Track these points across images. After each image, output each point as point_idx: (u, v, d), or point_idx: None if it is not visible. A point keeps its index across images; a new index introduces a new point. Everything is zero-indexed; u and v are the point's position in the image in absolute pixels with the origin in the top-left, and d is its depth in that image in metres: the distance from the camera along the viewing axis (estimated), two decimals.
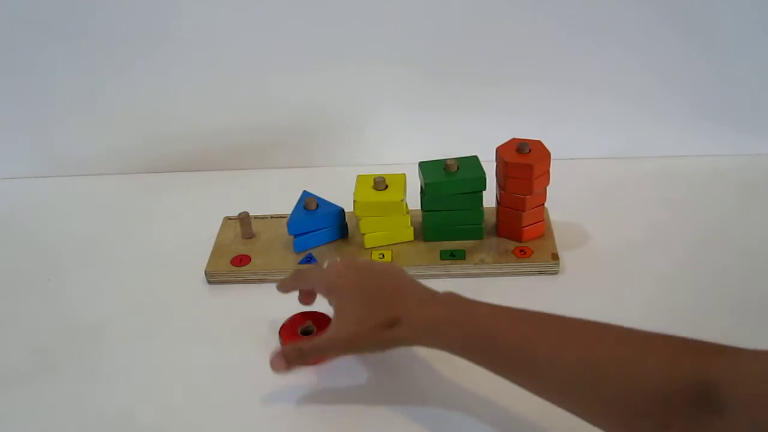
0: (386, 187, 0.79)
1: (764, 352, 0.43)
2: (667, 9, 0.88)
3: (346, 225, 0.83)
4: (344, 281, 0.62)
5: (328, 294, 0.64)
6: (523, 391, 0.54)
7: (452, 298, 0.59)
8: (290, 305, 0.76)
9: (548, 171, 0.78)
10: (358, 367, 0.68)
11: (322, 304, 0.68)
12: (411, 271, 0.77)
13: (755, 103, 0.95)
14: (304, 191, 0.83)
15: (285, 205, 0.82)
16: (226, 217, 0.87)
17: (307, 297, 0.70)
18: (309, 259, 0.80)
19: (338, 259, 0.67)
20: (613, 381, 0.48)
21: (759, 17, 0.89)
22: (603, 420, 0.49)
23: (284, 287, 0.69)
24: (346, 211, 0.82)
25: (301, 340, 0.65)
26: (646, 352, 0.48)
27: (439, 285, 0.76)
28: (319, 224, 0.81)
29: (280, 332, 0.70)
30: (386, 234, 0.81)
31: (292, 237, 0.81)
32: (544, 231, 0.81)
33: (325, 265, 0.66)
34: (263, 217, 0.86)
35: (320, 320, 0.70)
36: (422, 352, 0.69)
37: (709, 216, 0.86)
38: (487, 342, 0.55)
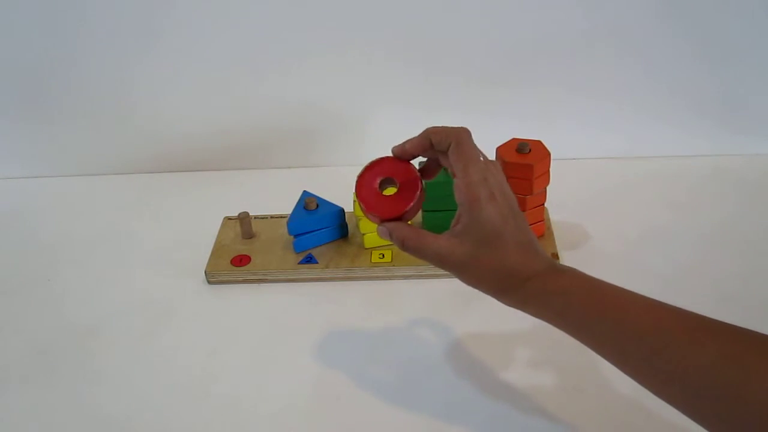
0: None
1: None
2: (667, 9, 0.88)
3: (346, 225, 0.83)
4: (492, 205, 0.52)
5: (471, 205, 0.52)
6: (520, 391, 0.54)
7: (577, 273, 0.54)
8: (290, 305, 0.76)
9: (548, 171, 0.78)
10: (359, 367, 0.68)
11: None
12: (411, 271, 0.78)
13: (755, 103, 0.95)
14: (304, 191, 0.83)
15: (285, 205, 0.82)
16: (226, 217, 0.87)
17: (431, 169, 0.59)
18: (309, 259, 0.80)
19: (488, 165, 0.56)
20: (757, 389, 0.42)
21: (759, 17, 0.89)
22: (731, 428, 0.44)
23: (410, 145, 0.59)
24: (346, 211, 0.82)
25: (412, 231, 0.54)
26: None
27: (440, 285, 0.77)
28: (319, 224, 0.81)
29: (357, 184, 0.56)
30: None
31: (292, 237, 0.81)
32: (544, 231, 0.81)
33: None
34: (263, 217, 0.86)
35: (406, 174, 0.57)
36: (425, 351, 0.69)
37: (709, 216, 0.86)
38: (611, 322, 0.50)
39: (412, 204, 0.55)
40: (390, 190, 0.56)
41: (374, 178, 0.56)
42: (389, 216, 0.55)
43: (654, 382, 0.48)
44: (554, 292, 0.52)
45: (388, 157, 0.57)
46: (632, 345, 0.48)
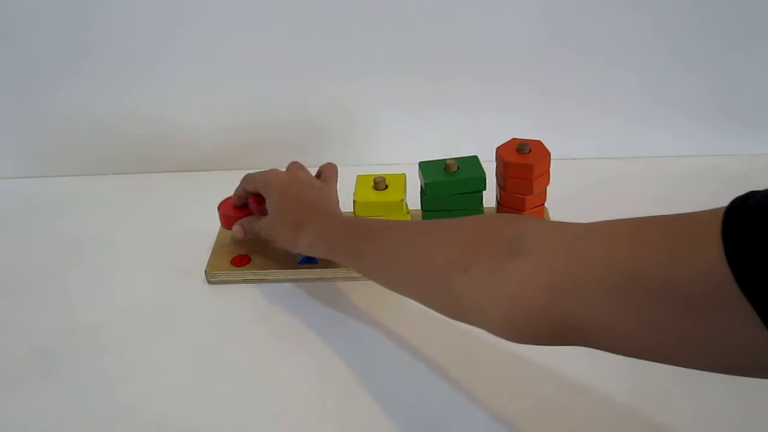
0: (386, 187, 0.79)
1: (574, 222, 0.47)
2: (667, 9, 0.88)
3: None
4: (277, 183, 0.74)
5: (264, 190, 0.75)
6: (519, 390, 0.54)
7: (348, 215, 0.74)
8: (290, 305, 0.77)
9: (548, 171, 0.78)
10: (359, 367, 0.68)
11: None
12: None
13: (755, 103, 0.95)
14: None
15: None
16: None
17: (259, 201, 0.78)
18: (309, 259, 0.80)
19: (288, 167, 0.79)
20: (433, 241, 0.56)
21: (759, 17, 0.89)
22: (415, 275, 0.57)
23: (237, 195, 0.80)
24: (346, 212, 0.81)
25: (248, 219, 0.78)
26: (460, 224, 0.56)
27: None
28: None
29: (218, 206, 0.82)
30: None
31: None
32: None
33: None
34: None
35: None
36: (425, 351, 0.69)
37: None
38: (353, 234, 0.66)
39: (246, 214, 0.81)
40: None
41: (229, 205, 0.82)
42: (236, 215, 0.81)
43: (370, 275, 0.63)
44: (322, 232, 0.68)
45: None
46: (365, 247, 0.63)
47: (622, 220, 0.44)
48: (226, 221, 0.82)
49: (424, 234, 0.58)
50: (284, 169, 0.79)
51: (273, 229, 0.73)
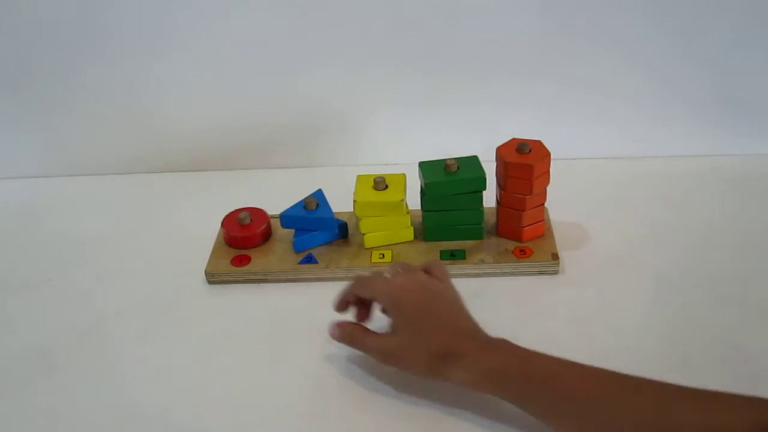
0: (386, 187, 0.79)
1: None
2: (667, 9, 0.88)
3: (345, 227, 0.83)
4: (408, 298, 0.63)
5: (391, 308, 0.63)
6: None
7: (509, 346, 0.59)
8: (290, 305, 0.77)
9: (548, 171, 0.78)
10: (359, 367, 0.68)
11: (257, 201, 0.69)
12: None
13: (755, 103, 0.95)
14: (319, 190, 0.83)
15: (285, 205, 0.82)
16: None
17: (364, 311, 0.68)
18: (309, 259, 0.80)
19: (399, 269, 0.66)
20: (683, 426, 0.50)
21: (758, 17, 0.89)
22: None
23: (344, 298, 0.67)
24: (346, 211, 0.82)
25: (358, 329, 0.66)
26: (711, 402, 0.51)
27: None
28: (309, 224, 0.81)
29: (222, 222, 0.83)
30: (386, 234, 0.81)
31: (292, 237, 0.81)
32: (544, 231, 0.81)
33: (387, 274, 0.66)
34: None
35: (255, 212, 0.84)
36: None
37: (709, 216, 0.86)
38: (548, 391, 0.55)
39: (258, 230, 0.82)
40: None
41: (234, 216, 0.84)
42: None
43: None
44: (490, 370, 0.58)
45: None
46: (568, 409, 0.54)
47: None
48: (231, 241, 0.82)
49: (670, 416, 0.51)
50: (391, 272, 0.66)
51: (406, 353, 0.61)
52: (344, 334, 0.65)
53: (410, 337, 0.61)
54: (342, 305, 0.68)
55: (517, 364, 0.57)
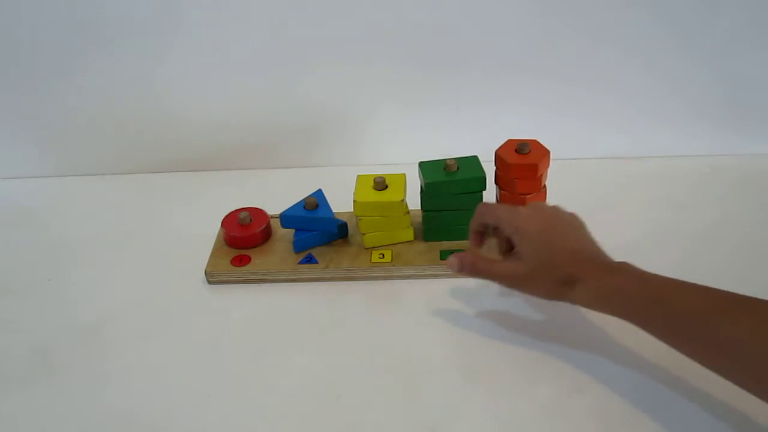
0: (386, 187, 0.79)
1: None
2: (667, 9, 0.88)
3: (346, 226, 0.83)
4: (532, 227, 0.65)
5: (515, 235, 0.65)
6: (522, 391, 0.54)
7: (628, 268, 0.62)
8: (290, 305, 0.77)
9: (548, 168, 0.78)
10: (359, 367, 0.68)
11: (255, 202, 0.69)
12: (411, 271, 0.78)
13: (755, 103, 0.95)
14: (319, 190, 0.83)
15: (285, 205, 0.82)
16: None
17: (480, 238, 0.72)
18: (309, 259, 0.80)
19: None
20: None
21: (758, 17, 0.89)
22: None
23: (474, 229, 0.71)
24: (346, 211, 0.82)
25: (480, 258, 0.68)
26: None
27: (440, 285, 0.77)
28: (308, 224, 0.80)
29: (222, 222, 0.83)
30: (386, 234, 0.81)
31: (292, 237, 0.81)
32: None
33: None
34: None
35: (255, 212, 0.84)
36: (425, 351, 0.69)
37: (709, 216, 0.86)
38: (662, 310, 0.57)
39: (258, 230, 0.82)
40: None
41: (234, 216, 0.84)
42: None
43: (702, 357, 0.55)
44: (608, 292, 0.61)
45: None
46: (679, 326, 0.56)
47: None
48: (231, 241, 0.82)
49: None
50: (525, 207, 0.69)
51: (534, 279, 0.64)
52: (466, 264, 0.68)
53: (537, 264, 0.64)
54: (477, 237, 0.71)
55: (635, 285, 0.59)
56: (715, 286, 0.74)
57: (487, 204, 0.71)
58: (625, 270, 0.61)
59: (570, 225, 0.67)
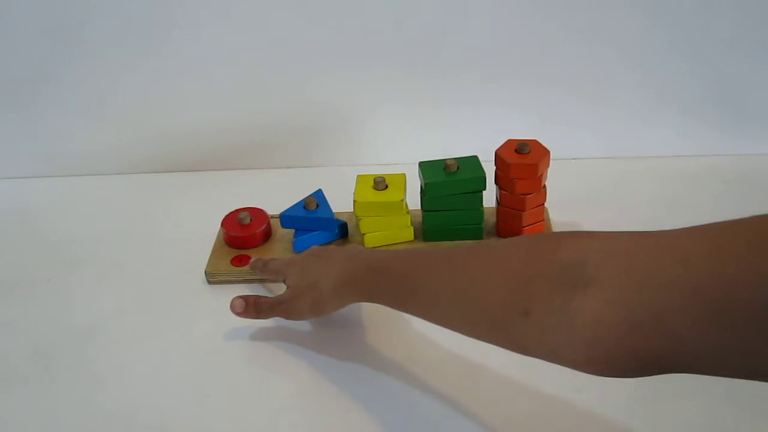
0: (386, 187, 0.79)
1: (629, 232, 0.42)
2: (665, 10, 0.88)
3: (346, 226, 0.83)
4: (292, 261, 0.72)
5: (284, 277, 0.71)
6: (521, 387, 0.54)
7: (362, 252, 0.66)
8: None
9: (548, 168, 0.78)
10: (359, 367, 0.68)
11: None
12: None
13: (753, 103, 0.95)
14: (319, 190, 0.83)
15: (285, 205, 0.82)
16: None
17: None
18: None
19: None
20: (475, 279, 0.50)
21: (755, 18, 0.89)
22: (476, 324, 0.51)
23: (254, 269, 0.77)
24: (346, 211, 0.82)
25: (262, 298, 0.71)
26: (507, 248, 0.50)
27: None
28: (308, 225, 0.81)
29: (222, 222, 0.84)
30: (386, 234, 0.81)
31: (292, 237, 0.81)
32: (544, 231, 0.81)
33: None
34: None
35: (255, 212, 0.84)
36: (425, 351, 0.69)
37: (708, 216, 0.85)
38: (383, 280, 0.60)
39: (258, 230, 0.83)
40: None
41: (234, 216, 0.84)
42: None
43: (427, 315, 0.57)
44: (345, 280, 0.64)
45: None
46: (401, 293, 0.58)
47: (688, 231, 0.40)
48: (231, 241, 0.83)
49: (464, 272, 0.52)
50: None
51: (295, 300, 0.67)
52: (249, 303, 0.70)
53: (297, 286, 0.68)
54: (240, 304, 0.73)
55: (362, 266, 0.63)
56: None
57: (258, 260, 0.77)
58: (360, 255, 0.65)
59: (326, 248, 0.71)
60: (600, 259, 0.42)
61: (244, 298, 0.71)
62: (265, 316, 0.71)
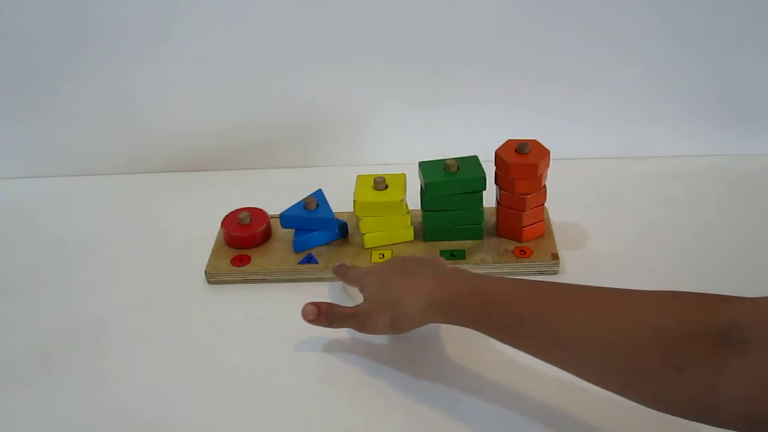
0: (386, 187, 0.79)
1: None
2: (666, 9, 0.88)
3: (345, 227, 0.83)
4: (370, 272, 0.69)
5: (361, 287, 0.69)
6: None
7: (457, 273, 0.62)
8: (290, 305, 0.77)
9: (547, 168, 0.78)
10: (359, 367, 0.68)
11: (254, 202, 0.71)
12: None
13: (754, 103, 0.95)
14: (319, 190, 0.83)
15: (285, 205, 0.82)
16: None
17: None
18: (309, 259, 0.80)
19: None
20: (619, 330, 0.49)
21: (757, 17, 0.89)
22: (611, 373, 0.50)
23: (336, 274, 0.75)
24: (346, 211, 0.82)
25: (336, 306, 0.69)
26: (658, 304, 0.50)
27: None
28: (308, 225, 0.81)
29: (222, 222, 0.83)
30: (386, 234, 0.81)
31: (292, 237, 0.81)
32: (544, 231, 0.81)
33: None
34: None
35: (255, 212, 0.84)
36: (425, 351, 0.69)
37: (708, 216, 0.86)
38: (493, 312, 0.57)
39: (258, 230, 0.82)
40: None
41: (234, 216, 0.84)
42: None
43: (544, 354, 0.55)
44: (439, 302, 0.60)
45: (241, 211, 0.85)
46: (517, 327, 0.55)
47: None
48: (231, 241, 0.83)
49: (604, 320, 0.51)
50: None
51: (372, 314, 0.65)
52: (322, 311, 0.68)
53: (375, 299, 0.65)
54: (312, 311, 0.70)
55: (465, 290, 0.59)
56: (715, 286, 0.75)
57: (341, 266, 0.75)
58: (456, 276, 0.61)
59: (414, 263, 0.67)
60: (754, 322, 0.43)
61: (317, 305, 0.68)
62: (337, 327, 0.68)
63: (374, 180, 0.80)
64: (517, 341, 0.56)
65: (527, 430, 0.61)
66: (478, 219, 0.80)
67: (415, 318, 0.62)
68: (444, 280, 0.61)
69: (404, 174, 0.81)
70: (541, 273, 0.78)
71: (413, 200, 0.81)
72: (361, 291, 0.69)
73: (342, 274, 0.74)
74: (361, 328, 0.66)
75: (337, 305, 0.68)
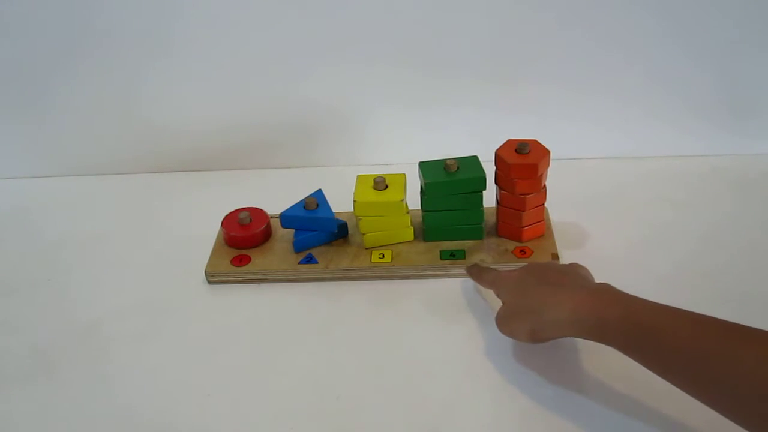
0: (386, 187, 0.79)
1: None
2: (666, 10, 0.88)
3: (346, 226, 0.83)
4: (509, 277, 0.68)
5: (497, 291, 0.69)
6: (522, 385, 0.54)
7: (608, 291, 0.59)
8: (290, 305, 0.77)
9: (547, 168, 0.78)
10: (359, 367, 0.68)
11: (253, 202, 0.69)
12: (410, 271, 0.78)
13: (754, 103, 0.95)
14: (319, 190, 0.83)
15: (285, 205, 0.82)
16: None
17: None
18: (309, 259, 0.80)
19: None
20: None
21: (758, 18, 0.89)
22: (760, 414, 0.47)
23: (470, 275, 0.76)
24: (346, 211, 0.82)
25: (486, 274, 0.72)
26: None
27: (439, 285, 0.77)
28: (308, 224, 0.81)
29: (222, 222, 0.84)
30: (386, 234, 0.81)
31: (292, 237, 0.81)
32: (544, 231, 0.81)
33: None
34: None
35: (255, 212, 0.84)
36: (425, 351, 0.69)
37: (709, 216, 0.86)
38: (647, 341, 0.54)
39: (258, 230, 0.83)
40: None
41: (234, 216, 0.84)
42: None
43: (698, 390, 0.52)
44: (588, 321, 0.58)
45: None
46: (674, 359, 0.53)
47: None
48: (231, 241, 0.83)
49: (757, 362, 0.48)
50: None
51: (506, 321, 0.65)
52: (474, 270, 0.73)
53: (507, 304, 0.66)
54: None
55: (617, 314, 0.56)
56: (715, 286, 0.75)
57: (474, 266, 0.75)
58: (607, 294, 0.59)
59: (558, 272, 0.65)
60: None
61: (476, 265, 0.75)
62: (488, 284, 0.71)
63: (374, 180, 0.79)
64: (668, 373, 0.53)
65: (527, 430, 0.61)
66: (478, 219, 0.80)
67: (556, 330, 0.61)
68: (595, 297, 0.58)
69: (404, 174, 0.81)
70: None
71: (413, 200, 0.81)
72: (498, 295, 0.69)
73: (476, 275, 0.74)
74: (499, 328, 0.66)
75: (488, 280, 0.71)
